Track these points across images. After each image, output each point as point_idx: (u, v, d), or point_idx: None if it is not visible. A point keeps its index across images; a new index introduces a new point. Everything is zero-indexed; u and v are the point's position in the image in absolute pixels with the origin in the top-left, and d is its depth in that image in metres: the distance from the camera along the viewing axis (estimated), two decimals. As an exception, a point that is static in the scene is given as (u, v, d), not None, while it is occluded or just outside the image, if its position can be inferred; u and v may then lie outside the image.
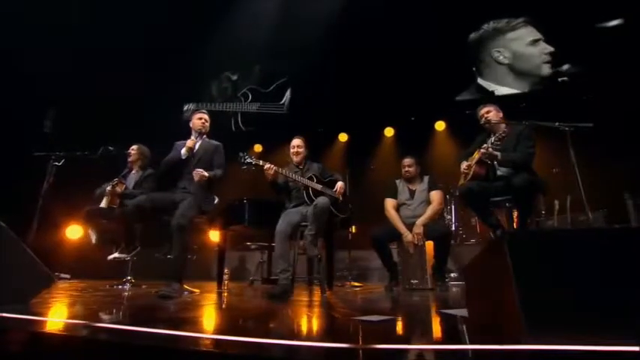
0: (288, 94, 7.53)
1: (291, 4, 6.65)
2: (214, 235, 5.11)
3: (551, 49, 6.14)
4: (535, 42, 6.29)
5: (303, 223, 3.04)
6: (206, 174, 2.94)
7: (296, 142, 3.32)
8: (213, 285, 3.98)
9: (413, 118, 6.86)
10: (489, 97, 6.32)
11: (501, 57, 6.58)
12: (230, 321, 1.70)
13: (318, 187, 3.14)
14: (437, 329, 1.45)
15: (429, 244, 3.34)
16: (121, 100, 5.44)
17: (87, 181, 3.67)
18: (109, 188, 3.44)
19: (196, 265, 5.02)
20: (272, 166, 2.99)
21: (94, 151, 3.40)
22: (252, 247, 4.44)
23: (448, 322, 1.54)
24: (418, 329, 1.50)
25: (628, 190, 3.84)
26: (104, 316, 1.79)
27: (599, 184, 3.73)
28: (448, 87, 6.68)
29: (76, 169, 3.44)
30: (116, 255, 3.42)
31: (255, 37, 6.76)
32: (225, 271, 3.59)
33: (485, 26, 6.75)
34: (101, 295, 2.78)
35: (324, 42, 6.46)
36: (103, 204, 3.49)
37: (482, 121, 3.05)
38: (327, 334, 1.41)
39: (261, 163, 3.00)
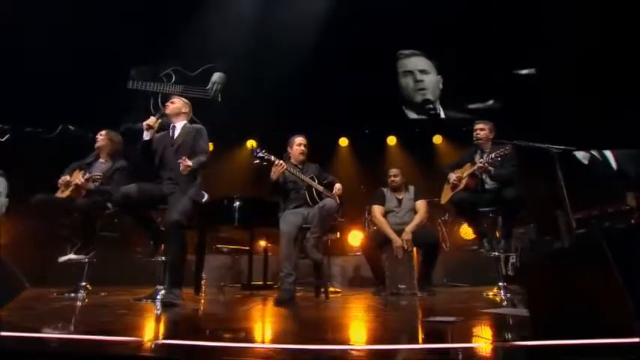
0: (214, 78, 7.24)
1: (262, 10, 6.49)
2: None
3: (420, 78, 6.95)
4: (408, 72, 7.04)
5: (304, 225, 2.93)
6: (190, 163, 2.57)
7: (302, 140, 3.18)
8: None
9: (367, 131, 7.16)
10: (437, 118, 6.96)
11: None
12: (329, 331, 1.55)
13: (321, 188, 3.07)
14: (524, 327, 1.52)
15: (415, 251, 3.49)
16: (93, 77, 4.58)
17: (37, 164, 2.99)
18: (80, 178, 2.84)
19: (142, 269, 4.46)
20: (282, 162, 2.84)
21: (50, 129, 2.78)
22: (224, 250, 4.10)
23: (523, 320, 1.62)
24: (512, 327, 1.55)
25: (559, 206, 4.53)
26: (133, 332, 1.48)
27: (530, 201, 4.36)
28: (400, 105, 7.14)
29: (24, 148, 2.78)
30: (71, 256, 2.85)
31: (220, 36, 6.41)
32: (203, 275, 3.24)
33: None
34: (69, 306, 2.29)
35: (287, 47, 6.41)
36: (63, 194, 2.88)
37: (474, 135, 3.32)
38: (430, 336, 1.37)
39: (272, 158, 2.82)
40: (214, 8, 6.20)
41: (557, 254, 1.72)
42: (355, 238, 5.43)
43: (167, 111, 2.86)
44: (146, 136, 2.66)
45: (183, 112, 2.91)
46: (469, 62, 6.16)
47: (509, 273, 3.85)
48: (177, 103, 2.93)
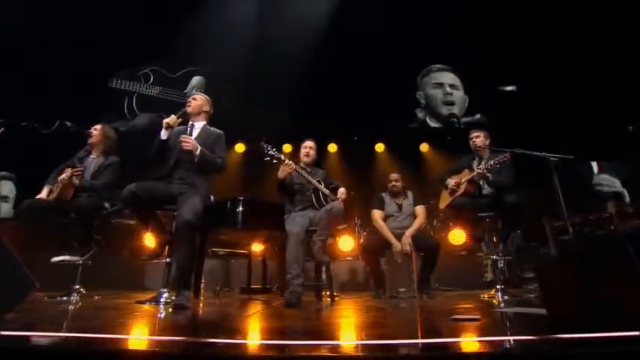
0: (193, 82, 7.11)
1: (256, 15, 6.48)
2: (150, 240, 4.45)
3: (450, 92, 7.27)
4: (439, 85, 7.36)
5: (310, 228, 2.92)
6: (195, 144, 2.51)
7: (309, 142, 3.25)
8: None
9: (355, 138, 7.23)
10: (424, 127, 7.16)
11: (421, 99, 7.50)
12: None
13: (327, 191, 3.08)
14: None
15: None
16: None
17: (33, 159, 2.83)
18: (63, 176, 2.70)
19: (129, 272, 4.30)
20: (291, 162, 2.84)
21: (47, 124, 2.65)
22: (220, 253, 4.01)
23: (543, 318, 1.67)
24: (536, 323, 1.59)
25: (546, 214, 4.74)
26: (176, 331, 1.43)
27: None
28: (389, 113, 7.26)
29: (19, 143, 2.64)
30: (66, 257, 2.71)
31: (211, 38, 6.34)
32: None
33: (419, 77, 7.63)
34: (73, 308, 2.17)
35: (279, 53, 6.42)
36: (51, 195, 2.74)
37: (471, 144, 3.43)
38: (468, 331, 1.40)
39: (282, 157, 2.82)
40: (210, 7, 6.13)
41: (570, 257, 1.80)
42: (346, 243, 5.42)
43: (188, 109, 2.74)
44: (164, 135, 2.57)
45: (205, 111, 2.81)
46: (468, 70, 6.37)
47: (500, 277, 3.97)
48: (198, 101, 2.81)
